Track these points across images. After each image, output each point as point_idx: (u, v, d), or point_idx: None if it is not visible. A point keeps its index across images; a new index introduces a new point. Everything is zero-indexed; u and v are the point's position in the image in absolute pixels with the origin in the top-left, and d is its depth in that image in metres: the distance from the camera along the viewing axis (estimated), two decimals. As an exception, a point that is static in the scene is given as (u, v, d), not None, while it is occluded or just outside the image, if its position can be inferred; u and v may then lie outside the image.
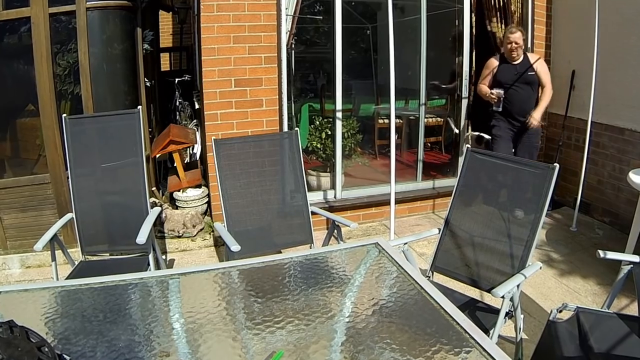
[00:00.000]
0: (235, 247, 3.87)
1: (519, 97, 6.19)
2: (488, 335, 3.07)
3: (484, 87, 6.41)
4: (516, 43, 6.04)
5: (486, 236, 3.72)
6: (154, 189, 6.72)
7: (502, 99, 6.22)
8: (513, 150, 6.37)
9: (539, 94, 6.28)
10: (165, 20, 12.89)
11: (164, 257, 5.36)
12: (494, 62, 6.36)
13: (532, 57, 6.27)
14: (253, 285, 2.74)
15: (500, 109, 6.28)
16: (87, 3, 5.42)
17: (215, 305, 2.52)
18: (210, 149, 4.50)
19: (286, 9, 5.87)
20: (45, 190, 5.54)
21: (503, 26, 6.82)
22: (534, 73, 6.11)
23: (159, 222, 6.08)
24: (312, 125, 7.08)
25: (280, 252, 4.59)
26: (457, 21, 7.02)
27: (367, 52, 10.24)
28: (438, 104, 9.04)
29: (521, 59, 6.19)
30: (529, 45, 6.94)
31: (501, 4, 6.82)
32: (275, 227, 4.65)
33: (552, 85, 6.11)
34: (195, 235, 6.15)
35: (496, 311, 3.32)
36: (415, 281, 2.58)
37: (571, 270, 5.28)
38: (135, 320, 2.38)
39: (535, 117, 6.05)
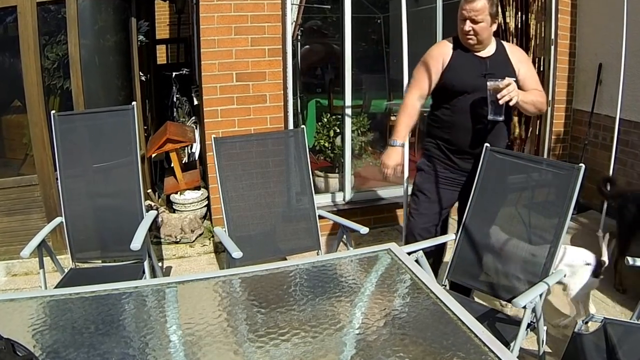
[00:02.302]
0: (236, 253, 3.87)
1: (482, 119, 4.04)
2: (509, 349, 3.06)
3: (408, 109, 4.32)
4: (473, 20, 3.92)
5: (506, 242, 3.72)
6: (149, 191, 6.74)
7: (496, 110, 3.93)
8: (456, 203, 4.45)
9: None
10: (162, 10, 12.89)
11: (160, 264, 5.38)
12: (444, 49, 4.22)
13: (510, 49, 4.23)
14: (256, 294, 2.75)
15: (499, 117, 3.95)
16: (78, -9, 5.43)
17: (215, 316, 2.52)
18: (210, 148, 4.51)
19: (291, -3, 5.86)
20: (33, 193, 5.55)
21: (521, 17, 6.74)
22: (514, 79, 3.89)
23: (154, 227, 6.08)
24: (319, 123, 7.09)
25: (285, 259, 4.60)
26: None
27: (379, 44, 10.20)
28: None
29: (493, 49, 4.15)
30: (552, 37, 6.89)
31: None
32: (280, 232, 4.65)
33: (573, 80, 5.96)
34: (193, 241, 6.16)
35: (517, 322, 3.31)
36: (431, 290, 2.58)
37: (598, 278, 5.26)
38: (130, 332, 2.38)
39: (515, 88, 3.80)
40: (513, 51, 4.25)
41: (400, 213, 5.80)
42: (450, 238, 3.97)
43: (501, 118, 3.94)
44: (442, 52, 4.21)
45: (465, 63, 4.13)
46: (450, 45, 4.21)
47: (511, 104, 3.78)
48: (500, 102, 3.75)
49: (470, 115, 4.08)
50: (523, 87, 4.02)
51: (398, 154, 4.31)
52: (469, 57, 4.14)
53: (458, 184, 4.30)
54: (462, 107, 4.10)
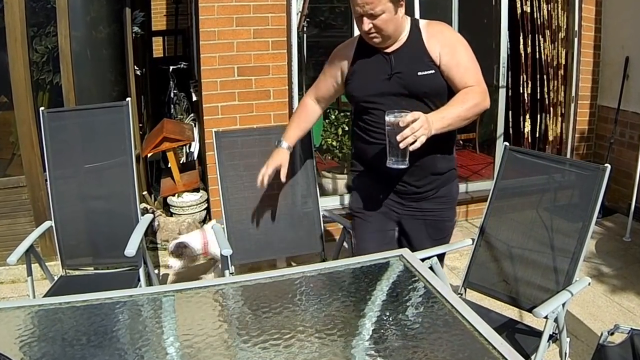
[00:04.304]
0: (226, 250, 3.89)
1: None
2: (529, 362, 3.06)
3: (300, 108, 4.02)
4: (371, 14, 3.18)
5: (527, 247, 3.71)
6: (145, 193, 6.74)
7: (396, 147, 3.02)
8: (395, 237, 3.82)
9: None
10: (158, 0, 12.93)
11: (156, 271, 5.38)
12: (345, 52, 3.63)
13: (430, 31, 3.42)
14: (259, 303, 2.74)
15: (401, 165, 3.09)
16: (69, -21, 5.44)
17: (215, 327, 2.52)
18: (210, 146, 4.51)
19: (297, -14, 5.84)
20: (20, 195, 5.56)
21: (542, 5, 6.71)
22: (432, 71, 3.32)
23: (150, 232, 6.09)
24: (326, 120, 7.09)
25: (291, 265, 4.60)
26: (493, 0, 7.00)
27: (390, 36, 10.20)
28: (471, 95, 9.01)
29: (404, 37, 3.42)
30: (576, 29, 6.87)
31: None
32: (282, 234, 4.64)
33: (598, 74, 5.86)
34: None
35: (538, 334, 3.31)
36: (445, 299, 2.57)
37: (624, 286, 5.26)
38: (124, 344, 2.38)
39: (423, 118, 2.95)
40: (433, 33, 3.41)
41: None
42: (467, 243, 3.96)
43: (404, 165, 3.08)
44: (341, 58, 3.63)
45: (367, 65, 3.50)
46: (353, 47, 3.57)
47: (414, 147, 2.93)
48: (401, 145, 2.92)
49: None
50: (449, 79, 3.33)
51: (280, 155, 3.85)
52: (374, 56, 3.47)
53: (397, 214, 3.70)
54: (376, 121, 3.42)
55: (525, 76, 6.99)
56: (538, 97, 7.14)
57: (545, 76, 7.00)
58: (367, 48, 3.45)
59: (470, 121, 3.36)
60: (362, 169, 3.73)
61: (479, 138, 8.97)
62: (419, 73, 3.31)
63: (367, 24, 3.21)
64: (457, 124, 3.23)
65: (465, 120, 3.26)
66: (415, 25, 3.43)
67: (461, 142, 9.09)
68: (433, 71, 3.31)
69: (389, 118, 2.99)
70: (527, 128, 7.07)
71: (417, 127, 2.88)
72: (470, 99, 3.23)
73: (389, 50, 3.39)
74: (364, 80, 3.49)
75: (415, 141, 2.90)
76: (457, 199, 3.81)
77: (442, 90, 3.36)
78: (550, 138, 7.23)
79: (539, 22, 6.80)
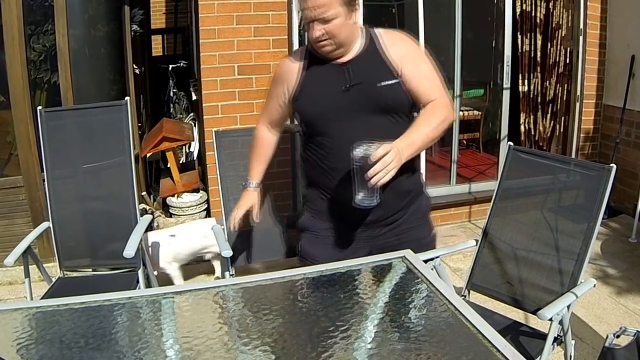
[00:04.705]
0: (226, 251, 3.89)
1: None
2: (534, 365, 3.06)
3: (256, 141, 3.69)
4: (322, 19, 2.90)
5: (531, 248, 3.71)
6: (144, 193, 6.75)
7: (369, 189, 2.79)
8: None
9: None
10: (158, -3, 12.95)
11: (155, 273, 5.38)
12: (290, 67, 3.26)
13: (388, 39, 3.15)
14: (259, 305, 2.74)
15: (371, 202, 2.87)
16: (67, -23, 5.44)
17: (215, 329, 2.52)
18: (210, 146, 4.51)
19: (298, -17, 5.80)
20: (18, 195, 5.56)
21: (541, 3, 6.70)
22: (395, 80, 3.05)
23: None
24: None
25: (292, 267, 4.60)
26: (495, -2, 7.01)
27: (393, 35, 10.20)
28: (475, 94, 9.02)
29: (358, 46, 3.12)
30: (581, 27, 6.87)
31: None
32: (284, 235, 4.65)
33: (603, 73, 5.85)
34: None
35: (543, 336, 3.30)
36: (449, 301, 2.57)
37: (630, 288, 5.26)
38: (122, 347, 2.38)
39: (394, 149, 2.69)
40: (392, 41, 3.15)
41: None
42: (470, 245, 3.96)
43: (375, 202, 2.87)
44: (287, 73, 3.27)
45: (319, 79, 3.16)
46: (302, 59, 3.23)
47: (384, 181, 2.68)
48: (373, 181, 2.64)
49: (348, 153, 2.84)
50: (412, 91, 3.06)
51: (249, 196, 3.66)
52: (325, 68, 3.14)
53: (366, 243, 3.36)
54: (334, 144, 3.13)
55: (522, 75, 7.01)
56: (531, 96, 7.16)
57: (544, 74, 7.01)
58: (317, 59, 3.12)
59: (439, 138, 3.10)
60: (318, 204, 3.36)
61: (483, 137, 8.97)
62: (381, 83, 3.03)
63: (318, 30, 2.92)
64: (426, 145, 3.07)
65: (434, 140, 3.05)
66: (371, 34, 3.16)
67: (464, 141, 9.09)
68: (395, 81, 3.04)
69: (358, 153, 2.71)
70: (524, 127, 7.09)
71: (389, 161, 2.64)
72: (436, 116, 3.01)
73: (343, 60, 3.09)
74: (316, 95, 3.14)
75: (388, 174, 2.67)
76: (429, 210, 3.56)
77: (405, 102, 3.09)
78: (544, 135, 7.24)
79: (537, 20, 6.80)
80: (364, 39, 3.13)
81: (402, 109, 3.11)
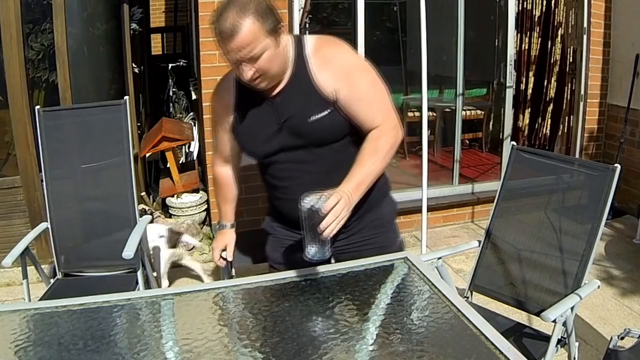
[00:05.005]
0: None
1: (311, 183, 2.72)
2: (537, 367, 3.06)
3: (217, 181, 3.51)
4: (250, 58, 2.57)
5: (534, 249, 3.71)
6: (143, 194, 6.75)
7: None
8: None
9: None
10: (157, -4, 12.95)
11: (154, 274, 5.38)
12: (224, 96, 3.04)
13: (318, 62, 2.81)
14: (260, 307, 2.74)
15: (323, 255, 2.65)
16: (65, -25, 5.44)
17: (215, 331, 2.52)
18: (211, 146, 4.51)
19: (299, -19, 5.78)
20: (15, 196, 5.56)
21: (542, 1, 6.70)
22: (327, 111, 2.81)
23: (149, 233, 6.10)
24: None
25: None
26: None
27: (395, 33, 10.21)
28: (478, 93, 9.02)
29: (289, 74, 2.82)
30: (585, 25, 6.86)
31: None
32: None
33: (607, 72, 5.83)
34: (192, 249, 6.16)
35: (547, 338, 3.30)
36: (451, 302, 2.57)
37: (635, 289, 5.25)
38: (122, 349, 2.38)
39: (344, 197, 2.51)
40: (323, 62, 2.83)
41: (418, 218, 5.78)
42: (473, 246, 3.96)
43: (328, 255, 2.65)
44: (222, 108, 3.08)
45: (253, 115, 2.96)
46: (232, 90, 2.99)
47: (336, 230, 2.50)
48: (325, 234, 2.47)
49: (301, 186, 2.68)
50: (351, 115, 2.83)
51: (224, 236, 3.50)
52: (256, 103, 2.92)
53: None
54: (286, 176, 3.03)
55: (525, 74, 7.02)
56: (529, 94, 7.18)
57: (549, 74, 7.02)
58: (247, 92, 2.86)
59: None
60: (276, 213, 3.25)
61: (486, 137, 8.97)
62: (312, 118, 2.81)
63: (249, 71, 2.62)
64: (376, 178, 2.83)
65: (383, 170, 2.90)
66: (300, 53, 2.84)
67: (467, 142, 9.09)
68: (328, 111, 2.81)
69: (305, 206, 2.51)
70: (524, 124, 7.10)
71: (339, 211, 2.47)
72: (383, 145, 2.81)
73: (273, 92, 2.84)
74: (253, 134, 2.99)
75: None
76: (394, 216, 3.34)
77: (345, 128, 2.88)
78: (541, 134, 7.25)
79: (536, 19, 6.80)
80: (293, 63, 2.83)
81: (342, 136, 2.91)
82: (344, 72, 2.80)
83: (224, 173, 3.39)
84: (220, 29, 2.54)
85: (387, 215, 3.25)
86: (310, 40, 2.88)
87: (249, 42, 2.51)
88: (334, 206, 2.44)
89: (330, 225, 2.44)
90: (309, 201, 2.50)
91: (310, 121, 2.79)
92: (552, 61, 7.09)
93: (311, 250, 2.59)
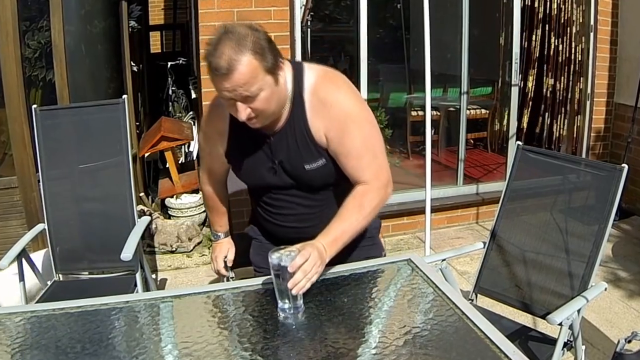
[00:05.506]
0: None
1: (302, 214, 2.99)
2: (543, 371, 3.06)
3: (207, 198, 3.50)
4: (246, 98, 2.49)
5: (540, 251, 3.71)
6: (142, 194, 6.75)
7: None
8: None
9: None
10: (156, -7, 12.95)
11: (154, 276, 5.39)
12: (217, 123, 2.96)
13: (314, 101, 2.72)
14: (261, 309, 2.73)
15: (296, 311, 2.61)
16: (62, -28, 5.44)
17: (215, 334, 2.52)
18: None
19: (300, -22, 5.77)
20: (12, 196, 5.56)
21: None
22: (322, 161, 2.79)
23: (148, 235, 6.10)
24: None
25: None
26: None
27: (398, 31, 10.19)
28: (483, 92, 9.01)
29: (286, 112, 2.74)
30: (592, 23, 6.86)
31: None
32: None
33: (614, 71, 5.83)
34: (191, 250, 6.17)
35: (552, 341, 3.31)
36: (456, 305, 2.57)
37: (643, 292, 5.26)
38: (120, 352, 2.38)
39: (314, 253, 2.49)
40: (319, 107, 2.73)
41: (422, 219, 5.78)
42: (478, 247, 3.95)
43: (300, 310, 2.59)
44: (213, 133, 3.04)
45: (247, 148, 2.90)
46: (225, 122, 2.91)
47: (307, 287, 2.50)
48: (294, 292, 2.46)
49: (293, 215, 2.97)
50: (340, 166, 2.79)
51: (221, 246, 3.51)
52: (251, 138, 2.85)
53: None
54: (278, 206, 3.02)
55: (527, 71, 7.02)
56: (530, 93, 7.18)
57: (556, 73, 7.02)
58: (241, 124, 2.66)
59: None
60: (260, 222, 3.22)
61: (491, 137, 8.96)
62: (307, 167, 2.78)
63: (244, 111, 2.52)
64: (355, 235, 2.74)
65: (364, 228, 2.82)
66: (298, 92, 2.74)
67: (472, 141, 9.09)
68: (323, 161, 2.77)
69: (274, 261, 2.47)
70: (526, 124, 7.10)
71: (309, 269, 2.44)
72: (367, 203, 2.73)
73: (269, 130, 2.78)
74: (247, 167, 2.94)
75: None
76: (378, 231, 3.29)
77: (339, 176, 2.82)
78: (552, 134, 7.25)
79: (541, 16, 6.80)
80: (291, 102, 2.73)
81: (334, 181, 2.87)
82: (338, 122, 2.71)
83: (212, 189, 3.38)
84: (215, 66, 2.50)
85: (372, 229, 3.17)
86: (310, 77, 2.77)
87: (245, 81, 2.44)
88: (302, 264, 2.41)
89: (299, 284, 2.42)
90: (277, 257, 2.47)
91: (307, 169, 2.77)
92: (561, 60, 7.09)
93: (284, 306, 2.57)
